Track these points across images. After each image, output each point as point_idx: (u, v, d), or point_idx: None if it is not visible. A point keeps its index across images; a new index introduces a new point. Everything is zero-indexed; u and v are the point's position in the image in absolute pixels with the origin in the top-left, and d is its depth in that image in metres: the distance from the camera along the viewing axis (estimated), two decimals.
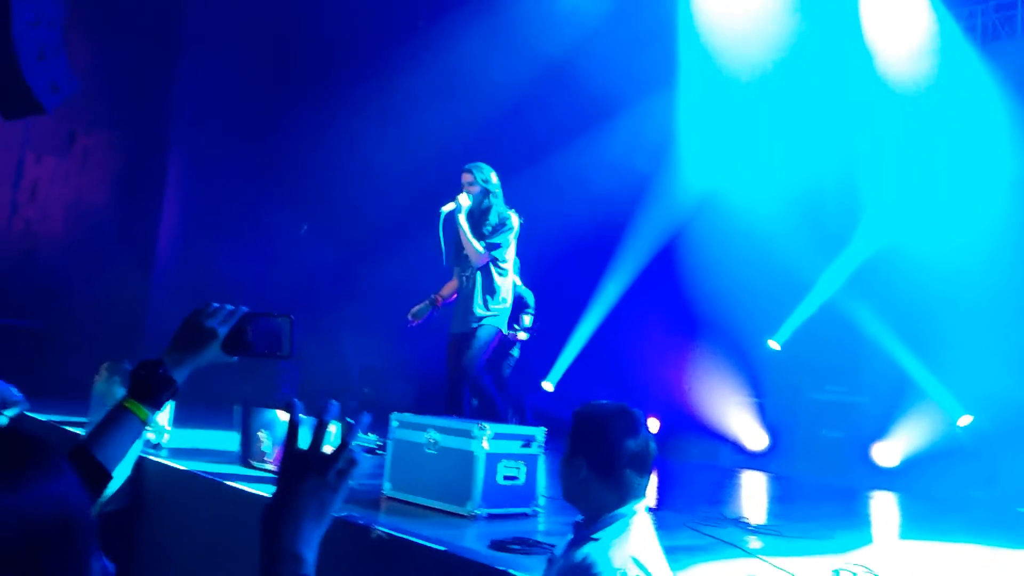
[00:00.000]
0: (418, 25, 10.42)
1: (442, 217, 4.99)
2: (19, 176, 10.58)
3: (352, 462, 1.17)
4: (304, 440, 1.19)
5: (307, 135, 10.49)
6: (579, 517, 2.13)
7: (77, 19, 8.46)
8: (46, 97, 7.81)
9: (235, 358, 1.61)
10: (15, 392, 6.74)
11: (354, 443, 1.18)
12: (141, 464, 4.74)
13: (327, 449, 1.18)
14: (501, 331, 5.18)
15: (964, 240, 7.25)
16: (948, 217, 7.42)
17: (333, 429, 1.20)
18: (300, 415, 1.21)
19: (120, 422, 1.47)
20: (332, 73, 10.42)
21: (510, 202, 5.32)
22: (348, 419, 1.21)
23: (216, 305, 1.60)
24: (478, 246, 5.02)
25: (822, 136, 8.35)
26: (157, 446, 5.32)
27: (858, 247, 8.22)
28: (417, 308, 5.32)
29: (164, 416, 5.55)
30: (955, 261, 7.24)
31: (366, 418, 1.25)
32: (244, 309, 1.62)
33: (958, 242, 7.27)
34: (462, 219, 5.06)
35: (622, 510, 2.05)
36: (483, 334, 5.06)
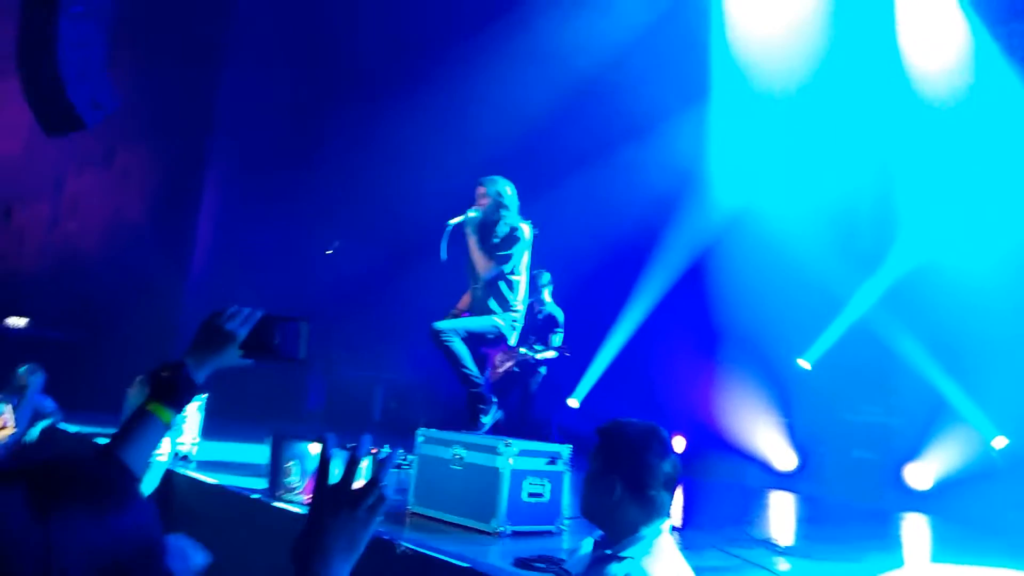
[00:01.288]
0: (449, 48, 10.52)
1: (448, 229, 5.02)
2: (60, 190, 10.84)
3: (382, 498, 1.18)
4: (335, 475, 1.21)
5: (340, 153, 10.64)
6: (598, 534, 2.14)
7: (120, 36, 8.68)
8: (87, 113, 8.01)
9: (251, 361, 1.64)
10: (49, 403, 6.88)
11: (385, 479, 1.20)
12: (170, 477, 4.80)
13: (358, 484, 1.19)
14: (501, 333, 5.02)
15: (1000, 259, 7.13)
16: (984, 236, 7.30)
17: (364, 464, 1.21)
18: (332, 449, 1.22)
19: (143, 424, 1.48)
20: (367, 92, 10.58)
21: (539, 218, 5.32)
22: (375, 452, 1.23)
23: (235, 308, 1.63)
24: (483, 258, 5.02)
25: (856, 153, 8.28)
26: (186, 458, 5.39)
27: (892, 266, 8.11)
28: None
29: (193, 428, 5.62)
30: (990, 281, 7.11)
31: (395, 456, 1.26)
32: (260, 313, 1.66)
33: (994, 261, 7.15)
34: (469, 232, 5.07)
35: (649, 528, 2.07)
36: (482, 319, 5.00)
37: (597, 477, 2.12)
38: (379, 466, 1.22)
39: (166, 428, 1.51)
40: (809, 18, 8.72)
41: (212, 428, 5.92)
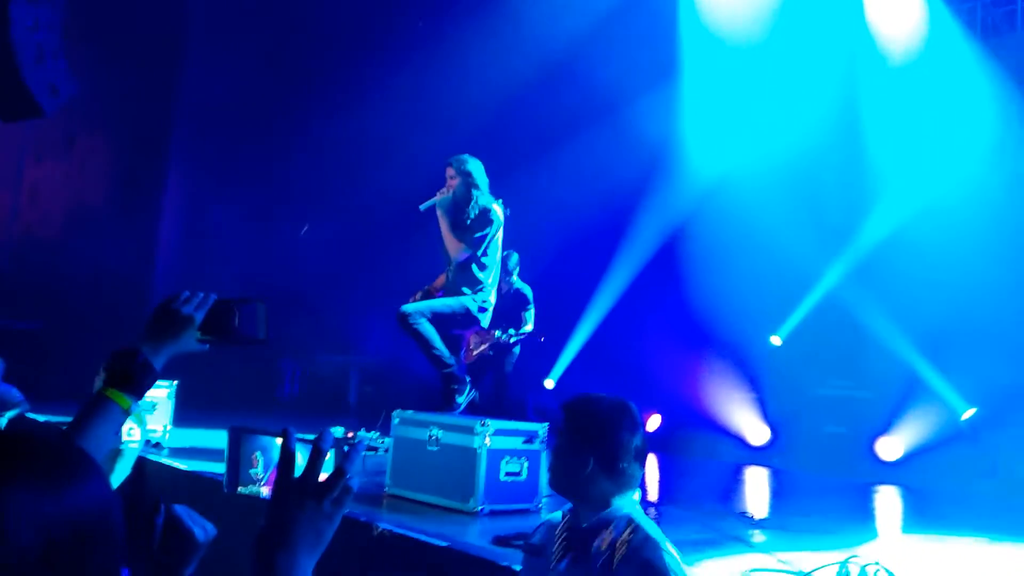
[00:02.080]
0: (418, 26, 10.41)
1: (422, 209, 5.00)
2: (19, 179, 10.59)
3: (348, 490, 1.15)
4: (299, 466, 1.16)
5: (307, 135, 10.49)
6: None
7: (78, 22, 8.46)
8: (45, 100, 7.81)
9: (208, 345, 1.62)
10: (16, 393, 6.74)
11: (350, 470, 1.16)
12: (141, 464, 4.73)
13: (322, 476, 1.15)
14: (471, 313, 4.97)
15: (966, 233, 7.23)
16: (950, 210, 7.39)
17: (328, 456, 1.17)
18: (295, 441, 1.18)
19: (101, 411, 1.45)
20: (333, 73, 10.42)
21: (512, 198, 5.29)
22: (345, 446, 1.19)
23: (187, 293, 1.61)
24: (454, 240, 4.97)
25: (824, 130, 8.33)
26: (158, 445, 5.32)
27: (860, 241, 8.21)
28: (411, 301, 5.30)
29: (164, 415, 5.55)
30: (957, 254, 7.22)
31: (361, 447, 1.23)
32: (214, 296, 1.64)
33: (960, 235, 7.25)
34: (440, 214, 5.02)
35: (621, 501, 2.11)
36: (450, 300, 4.97)
37: (568, 452, 2.14)
38: (344, 457, 1.18)
39: (125, 414, 1.48)
40: None
41: (184, 415, 5.84)
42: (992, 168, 7.42)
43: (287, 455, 1.17)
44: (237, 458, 1.47)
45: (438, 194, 5.05)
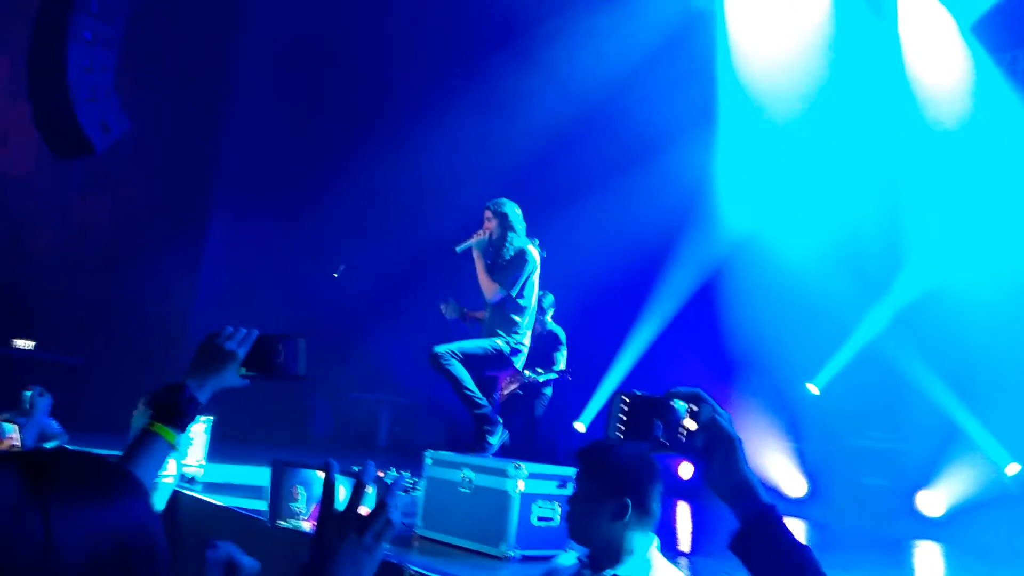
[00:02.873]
0: (455, 72, 10.60)
1: (458, 251, 5.05)
2: (66, 214, 10.89)
3: (389, 524, 1.16)
4: (341, 501, 1.18)
5: (347, 175, 10.68)
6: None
7: (129, 60, 8.78)
8: (97, 137, 8.09)
9: (250, 380, 1.66)
10: (55, 425, 6.85)
11: (392, 504, 1.17)
12: (176, 499, 4.76)
13: (363, 510, 1.17)
14: (503, 354, 4.96)
15: (1008, 284, 7.09)
16: (992, 260, 7.27)
17: (370, 490, 1.18)
18: (337, 474, 1.20)
19: (147, 445, 1.50)
20: (374, 116, 10.65)
21: (547, 241, 5.31)
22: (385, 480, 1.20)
23: (231, 328, 1.65)
24: (489, 281, 5.00)
25: (864, 177, 8.28)
26: (192, 480, 5.36)
27: (901, 290, 8.07)
28: (449, 306, 5.32)
29: (199, 450, 5.59)
30: (1000, 305, 7.07)
31: (403, 481, 1.26)
32: (256, 332, 1.68)
33: (1002, 286, 7.12)
34: (476, 255, 5.06)
35: (643, 547, 2.13)
36: (482, 340, 4.97)
37: (585, 500, 2.15)
38: (386, 491, 1.19)
39: (171, 448, 1.53)
40: (813, 42, 8.78)
41: (218, 450, 5.88)
42: None
43: (329, 488, 1.19)
44: (279, 490, 1.50)
45: (474, 236, 5.10)
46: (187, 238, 10.72)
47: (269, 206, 10.53)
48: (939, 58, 8.45)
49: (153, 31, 9.55)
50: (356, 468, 1.23)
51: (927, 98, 8.43)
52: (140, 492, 0.88)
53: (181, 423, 1.54)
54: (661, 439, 1.27)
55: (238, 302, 10.24)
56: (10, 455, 0.84)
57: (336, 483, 1.19)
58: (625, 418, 1.30)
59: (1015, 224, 7.30)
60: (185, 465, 5.27)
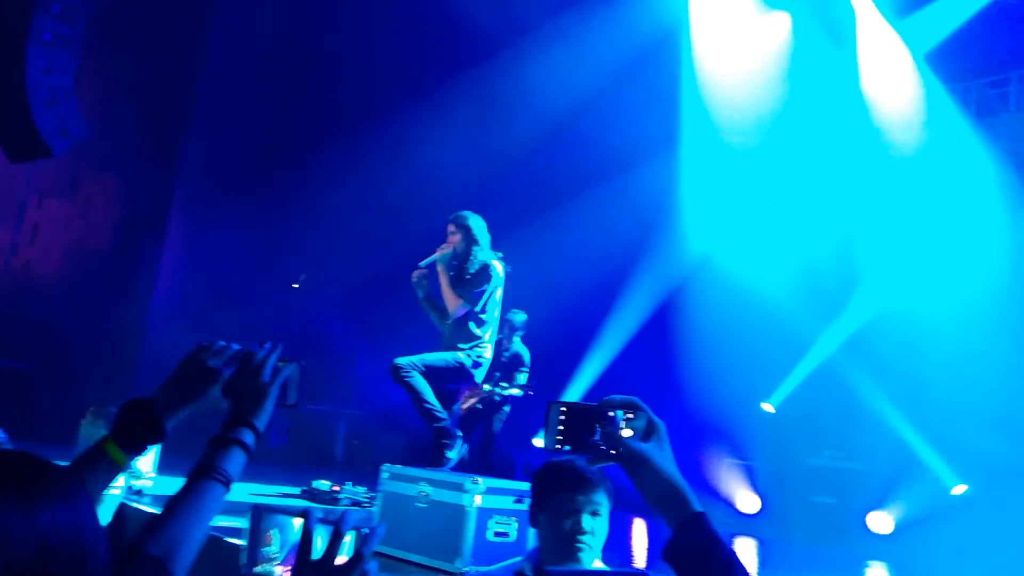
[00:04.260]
0: (424, 87, 10.60)
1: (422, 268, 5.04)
2: (21, 218, 10.65)
3: (365, 574, 1.15)
4: (318, 549, 1.17)
5: (308, 188, 10.61)
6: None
7: (89, 63, 8.63)
8: (54, 141, 7.93)
9: (226, 404, 1.47)
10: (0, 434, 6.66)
11: (369, 554, 1.16)
12: (122, 512, 4.65)
13: (340, 560, 1.16)
14: (465, 368, 4.94)
15: (958, 307, 7.29)
16: (943, 284, 7.48)
17: (348, 539, 1.17)
18: (315, 523, 1.18)
19: (94, 463, 1.37)
20: (338, 128, 10.60)
21: (511, 256, 5.33)
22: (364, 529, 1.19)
23: (223, 343, 1.49)
24: (452, 296, 4.99)
25: (821, 201, 8.48)
26: (139, 492, 5.24)
27: (854, 312, 8.26)
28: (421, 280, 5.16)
29: (148, 461, 5.47)
30: (950, 328, 7.27)
31: (381, 530, 1.22)
32: (253, 350, 1.51)
33: (953, 309, 7.31)
34: (440, 269, 5.06)
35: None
36: (443, 354, 4.95)
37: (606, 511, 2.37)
38: (363, 541, 1.18)
39: (119, 470, 1.39)
40: (774, 67, 9.00)
41: (168, 463, 5.77)
42: (984, 242, 7.52)
43: (307, 537, 1.17)
44: (258, 536, 1.42)
45: (439, 250, 5.10)
46: (146, 243, 10.54)
47: (232, 213, 10.41)
48: (895, 87, 8.70)
49: (117, 32, 9.42)
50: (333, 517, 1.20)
51: (883, 125, 8.67)
52: (75, 495, 0.85)
53: (136, 447, 1.39)
54: (598, 448, 1.27)
55: (197, 310, 10.08)
56: None
57: (313, 532, 1.17)
58: (563, 428, 1.31)
59: (964, 249, 7.52)
60: (134, 477, 5.16)
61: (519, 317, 6.93)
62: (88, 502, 0.87)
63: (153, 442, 1.40)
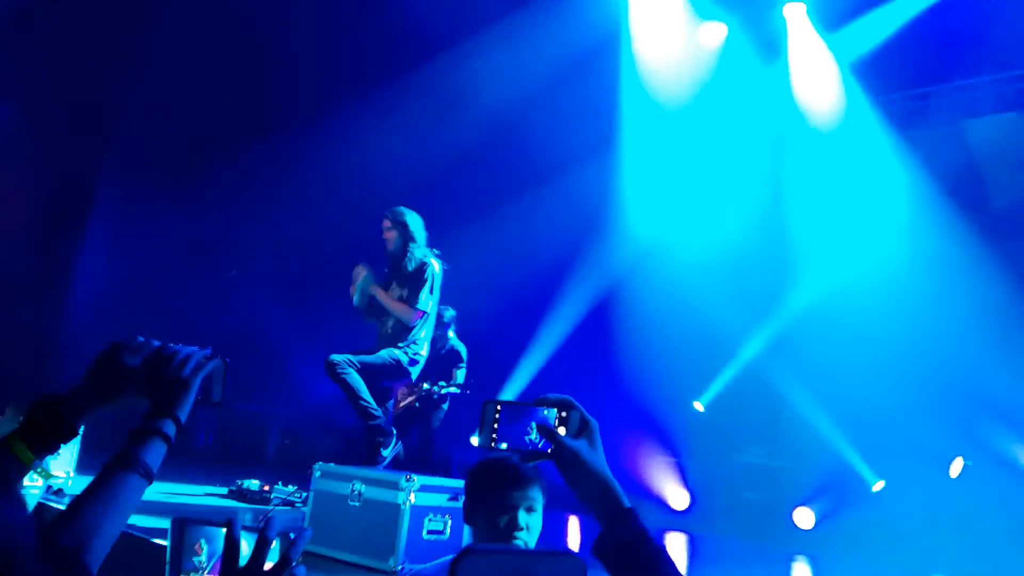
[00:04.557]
0: (364, 83, 10.45)
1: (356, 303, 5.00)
2: None
3: None
4: (243, 556, 1.15)
5: (244, 177, 10.36)
6: None
7: (3, 49, 8.25)
8: None
9: (145, 402, 1.41)
10: None
11: (296, 559, 1.14)
12: (40, 512, 4.46)
13: (267, 566, 1.14)
14: (402, 366, 4.93)
15: (878, 311, 7.57)
16: (866, 288, 7.75)
17: (273, 545, 1.15)
18: (240, 530, 1.16)
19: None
20: (272, 123, 10.36)
21: (449, 259, 5.29)
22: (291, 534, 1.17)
23: (142, 339, 1.43)
24: (406, 308, 4.92)
25: (751, 205, 8.71)
26: (59, 492, 5.04)
27: (781, 313, 8.51)
28: (363, 274, 5.07)
29: (67, 460, 5.27)
30: (870, 331, 7.55)
31: (308, 534, 1.20)
32: (177, 348, 1.45)
33: (872, 312, 7.59)
34: (377, 292, 4.96)
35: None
36: (383, 351, 4.92)
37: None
38: (289, 545, 1.16)
39: (26, 470, 1.34)
40: (708, 75, 9.23)
41: (88, 462, 5.56)
42: (902, 250, 7.82)
43: (232, 544, 1.16)
44: (180, 549, 1.37)
45: (353, 281, 5.02)
46: (65, 240, 10.13)
47: (161, 203, 10.07)
48: (823, 95, 9.00)
49: (41, 12, 9.01)
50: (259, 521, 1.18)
51: (811, 131, 8.97)
52: (7, 498, 0.82)
53: (45, 446, 1.34)
54: (532, 445, 1.29)
55: (118, 304, 9.74)
56: None
57: (239, 539, 1.15)
58: (498, 426, 1.32)
59: (886, 253, 7.81)
60: (54, 477, 4.96)
61: (449, 312, 6.90)
62: (19, 504, 0.82)
63: (63, 441, 1.36)
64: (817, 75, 9.05)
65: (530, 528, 2.27)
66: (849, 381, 7.61)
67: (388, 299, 4.94)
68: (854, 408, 7.67)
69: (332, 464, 4.26)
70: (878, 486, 7.76)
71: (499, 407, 1.33)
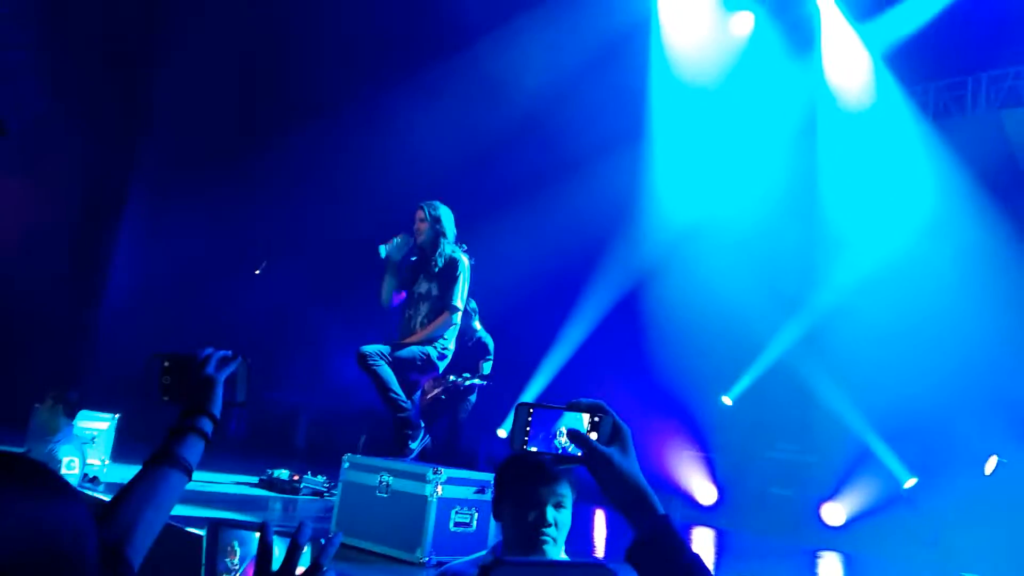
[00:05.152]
0: (389, 74, 10.49)
1: (383, 255, 4.99)
2: None
3: None
4: (276, 562, 1.18)
5: (277, 172, 10.47)
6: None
7: (46, 39, 8.40)
8: (11, 118, 7.70)
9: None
10: None
11: (326, 564, 1.17)
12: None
13: (299, 570, 1.17)
14: (431, 359, 4.95)
15: (912, 305, 7.46)
16: (897, 282, 7.64)
17: (305, 550, 1.18)
18: (273, 535, 1.19)
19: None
20: (305, 115, 10.45)
21: (476, 249, 5.32)
22: (321, 539, 1.20)
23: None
24: (447, 313, 4.95)
25: (783, 199, 8.61)
26: (94, 480, 5.15)
27: (812, 308, 8.41)
28: (398, 243, 5.09)
29: (102, 449, 5.37)
30: (904, 326, 7.44)
31: (338, 539, 1.23)
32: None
33: (907, 307, 7.48)
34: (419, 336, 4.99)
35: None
36: (415, 348, 4.95)
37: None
38: (321, 551, 1.19)
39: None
40: (738, 65, 9.14)
41: (123, 450, 5.67)
42: (936, 242, 7.69)
43: (265, 549, 1.18)
44: (215, 552, 1.42)
45: (397, 240, 5.03)
46: (105, 226, 10.31)
47: (191, 201, 10.22)
48: (855, 83, 8.87)
49: (76, 7, 9.17)
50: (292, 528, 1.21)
51: (843, 120, 8.85)
52: (70, 493, 0.85)
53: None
54: (563, 449, 1.30)
55: (152, 297, 9.91)
56: None
57: (272, 544, 1.18)
58: (530, 429, 1.33)
59: (919, 245, 7.69)
60: (89, 464, 5.06)
61: (471, 304, 6.92)
62: (81, 507, 0.86)
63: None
64: (848, 64, 8.92)
65: (559, 524, 2.26)
66: (880, 376, 7.51)
67: (421, 333, 4.96)
68: (885, 403, 7.57)
69: (360, 456, 4.30)
70: (910, 483, 7.66)
71: (531, 410, 1.34)
